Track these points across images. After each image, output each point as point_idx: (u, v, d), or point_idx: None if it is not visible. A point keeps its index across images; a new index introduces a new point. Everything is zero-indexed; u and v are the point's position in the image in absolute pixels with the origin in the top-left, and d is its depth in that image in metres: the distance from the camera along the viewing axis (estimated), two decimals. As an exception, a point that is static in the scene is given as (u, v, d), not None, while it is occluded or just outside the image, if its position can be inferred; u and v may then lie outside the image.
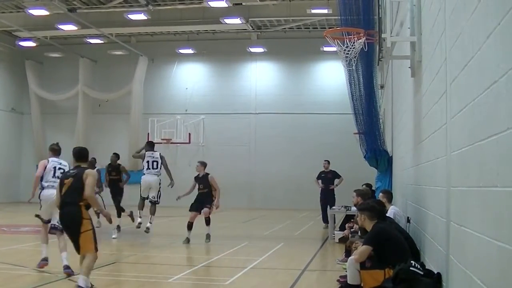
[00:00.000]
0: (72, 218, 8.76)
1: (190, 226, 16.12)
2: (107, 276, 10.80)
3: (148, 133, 34.69)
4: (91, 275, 8.86)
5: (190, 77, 37.76)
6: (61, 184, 9.00)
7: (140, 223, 16.62)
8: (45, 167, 11.33)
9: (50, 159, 11.50)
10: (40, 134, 37.70)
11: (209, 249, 15.14)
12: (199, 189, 16.52)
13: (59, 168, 11.29)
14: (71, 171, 9.21)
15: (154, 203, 16.88)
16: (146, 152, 17.17)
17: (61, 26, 32.60)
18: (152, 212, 16.82)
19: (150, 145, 17.64)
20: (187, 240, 15.91)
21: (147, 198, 16.91)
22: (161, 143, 33.44)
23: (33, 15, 30.30)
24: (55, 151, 11.68)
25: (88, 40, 36.69)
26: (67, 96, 37.32)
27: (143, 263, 13.43)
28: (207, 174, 16.56)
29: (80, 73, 37.42)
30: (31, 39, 35.63)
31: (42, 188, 11.24)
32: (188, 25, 33.46)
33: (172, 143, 34.53)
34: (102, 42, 36.70)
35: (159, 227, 19.94)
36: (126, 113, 36.58)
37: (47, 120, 37.90)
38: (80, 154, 9.41)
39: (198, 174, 16.68)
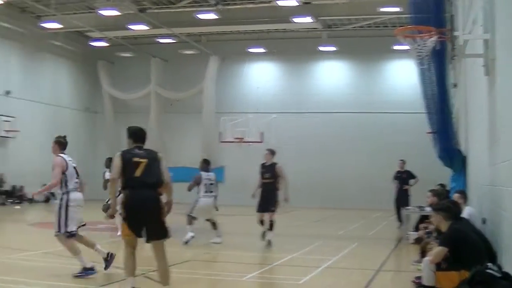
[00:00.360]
0: (155, 203, 8.19)
1: (262, 223, 15.90)
2: (182, 274, 11.03)
3: (221, 132, 35.14)
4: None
5: (261, 76, 38.15)
6: (132, 163, 8.20)
7: (191, 237, 15.39)
8: (65, 168, 10.38)
9: (66, 157, 10.55)
10: (113, 133, 38.69)
11: (282, 248, 15.15)
12: (264, 178, 15.75)
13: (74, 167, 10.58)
14: (140, 151, 8.38)
15: (214, 223, 16.03)
16: (202, 173, 15.97)
17: (131, 26, 33.39)
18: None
19: (208, 164, 16.36)
20: (264, 234, 15.67)
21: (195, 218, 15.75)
22: (233, 142, 33.94)
23: (104, 15, 31.01)
24: (63, 145, 10.73)
25: (158, 40, 37.36)
26: (139, 95, 38.18)
27: (217, 261, 13.68)
28: (275, 163, 15.82)
29: (152, 73, 38.30)
30: (102, 39, 36.63)
31: (67, 192, 10.38)
32: (258, 24, 33.76)
33: (244, 142, 34.83)
34: (172, 41, 37.36)
35: (232, 226, 20.22)
36: (197, 112, 37.19)
37: (119, 119, 38.84)
38: (142, 134, 8.74)
39: (265, 162, 15.95)
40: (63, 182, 10.34)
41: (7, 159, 31.38)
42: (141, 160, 8.21)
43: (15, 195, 30.92)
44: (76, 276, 10.04)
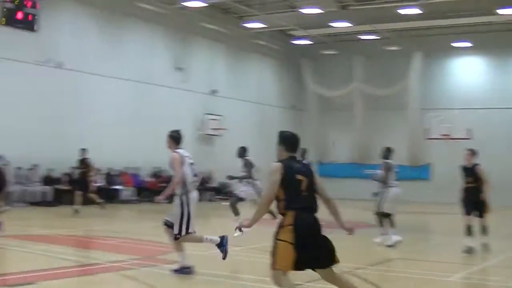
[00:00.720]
0: (319, 228, 6.80)
1: (469, 230, 13.88)
2: (387, 272, 10.84)
3: (427, 129, 34.32)
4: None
5: (466, 71, 36.76)
6: (295, 180, 6.75)
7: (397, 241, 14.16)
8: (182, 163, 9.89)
9: (183, 152, 10.09)
10: (318, 130, 39.20)
11: (491, 249, 14.06)
12: (466, 182, 14.22)
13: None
14: (298, 165, 6.94)
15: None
16: (390, 162, 14.82)
17: (334, 24, 33.52)
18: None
19: (390, 152, 15.08)
20: (470, 250, 13.65)
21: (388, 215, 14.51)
22: (439, 139, 33.05)
23: (306, 14, 31.35)
24: (178, 139, 10.23)
25: (360, 36, 37.17)
26: (343, 92, 38.27)
27: (421, 260, 13.29)
28: (476, 164, 14.19)
29: (355, 70, 38.26)
30: (305, 37, 37.14)
31: (187, 191, 9.94)
32: (462, 17, 32.53)
33: (450, 138, 33.67)
34: (375, 38, 36.99)
35: (438, 224, 19.59)
36: (401, 109, 36.66)
37: (325, 116, 39.13)
38: (298, 142, 7.21)
39: (466, 165, 14.33)
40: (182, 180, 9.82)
41: (214, 157, 32.59)
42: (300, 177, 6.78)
43: (223, 192, 32.09)
44: (175, 271, 9.75)
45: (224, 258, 9.71)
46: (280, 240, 6.54)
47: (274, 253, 6.56)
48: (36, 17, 24.46)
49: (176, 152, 9.94)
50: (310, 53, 39.78)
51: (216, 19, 33.15)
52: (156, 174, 29.61)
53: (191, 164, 9.95)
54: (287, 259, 6.48)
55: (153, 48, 30.82)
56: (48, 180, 24.87)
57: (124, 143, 27.81)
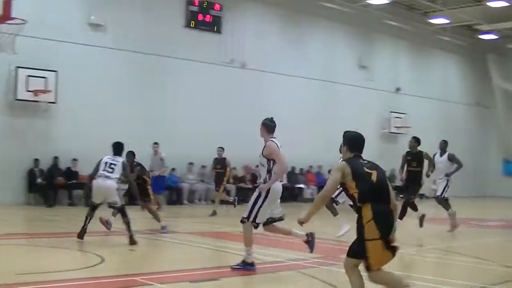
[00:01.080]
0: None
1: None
2: None
3: None
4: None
5: None
6: (368, 175, 6.51)
7: None
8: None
9: (277, 142, 9.59)
10: (505, 128, 36.87)
11: None
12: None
13: None
14: (368, 163, 6.70)
15: None
16: None
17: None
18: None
19: None
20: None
21: None
22: None
23: (493, 7, 29.39)
24: (271, 128, 9.78)
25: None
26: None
27: None
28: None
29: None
30: (492, 32, 34.79)
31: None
32: None
33: None
34: None
35: None
36: None
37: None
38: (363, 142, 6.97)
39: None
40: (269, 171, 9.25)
41: (398, 155, 31.17)
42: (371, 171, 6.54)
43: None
44: (233, 268, 9.17)
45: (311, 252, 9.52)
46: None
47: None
48: (220, 19, 24.77)
49: (271, 140, 9.45)
50: (496, 48, 37.30)
51: (400, 16, 31.98)
52: (339, 172, 28.58)
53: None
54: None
55: (335, 46, 30.30)
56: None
57: (307, 142, 27.42)
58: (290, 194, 26.19)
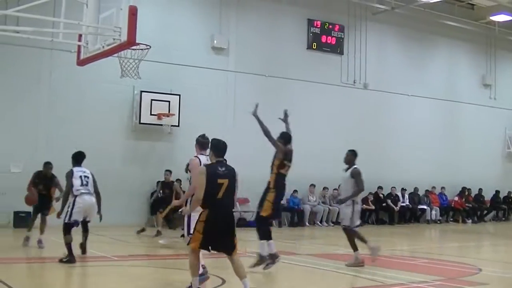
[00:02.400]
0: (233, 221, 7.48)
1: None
2: None
3: None
4: None
5: None
6: (217, 184, 7.13)
7: None
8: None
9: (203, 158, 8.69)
10: None
11: None
12: None
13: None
14: (223, 169, 7.30)
15: None
16: None
17: None
18: None
19: None
20: None
21: None
22: None
23: None
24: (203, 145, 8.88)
25: None
26: None
27: None
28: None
29: None
30: None
31: None
32: None
33: None
34: None
35: None
36: None
37: None
38: (225, 147, 7.59)
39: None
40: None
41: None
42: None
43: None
44: None
45: None
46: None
47: None
48: (342, 40, 23.12)
49: (197, 157, 8.69)
50: None
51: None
52: (461, 194, 25.63)
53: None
54: None
55: (457, 65, 27.55)
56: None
57: (430, 162, 25.01)
58: (413, 215, 24.02)
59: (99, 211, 10.94)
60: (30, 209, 15.36)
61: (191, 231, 7.85)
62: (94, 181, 10.90)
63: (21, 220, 16.62)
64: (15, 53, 17.19)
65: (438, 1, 23.94)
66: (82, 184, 10.45)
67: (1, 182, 16.89)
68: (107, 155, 18.25)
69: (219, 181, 7.15)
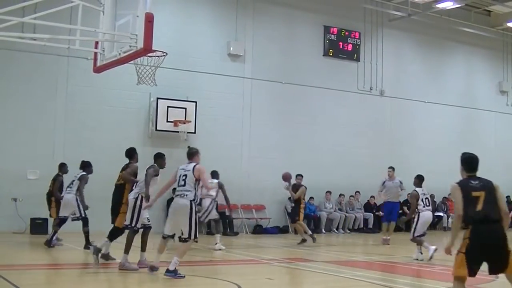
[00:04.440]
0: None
1: None
2: None
3: None
4: None
5: None
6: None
7: None
8: None
9: None
10: None
11: None
12: None
13: None
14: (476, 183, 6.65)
15: None
16: None
17: None
18: None
19: None
20: None
21: None
22: None
23: None
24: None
25: None
26: None
27: None
28: None
29: None
30: None
31: None
32: None
33: None
34: None
35: None
36: None
37: None
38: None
39: None
40: None
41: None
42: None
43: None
44: None
45: None
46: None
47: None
48: (358, 47, 23.04)
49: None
50: None
51: None
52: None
53: None
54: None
55: (475, 71, 27.30)
56: (368, 207, 22.49)
57: (447, 169, 24.37)
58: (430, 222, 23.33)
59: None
60: (46, 215, 15.56)
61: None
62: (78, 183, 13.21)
63: (38, 227, 16.68)
64: (32, 60, 17.28)
65: (454, 8, 23.73)
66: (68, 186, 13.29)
67: (18, 189, 16.94)
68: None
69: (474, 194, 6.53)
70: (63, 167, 14.61)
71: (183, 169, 9.78)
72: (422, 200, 13.02)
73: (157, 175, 10.67)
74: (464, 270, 6.35)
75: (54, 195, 14.15)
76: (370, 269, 11.14)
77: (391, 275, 10.37)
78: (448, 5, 23.18)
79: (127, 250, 10.09)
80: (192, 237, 9.21)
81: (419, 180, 13.58)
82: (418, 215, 12.86)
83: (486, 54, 27.26)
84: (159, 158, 11.11)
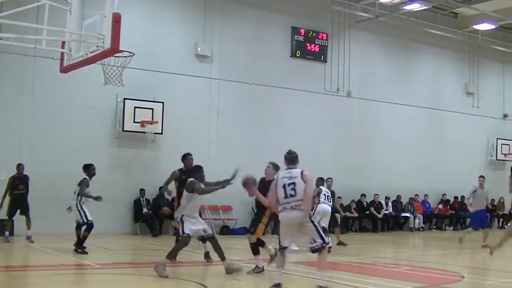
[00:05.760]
0: None
1: None
2: None
3: None
4: None
5: None
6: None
7: None
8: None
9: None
10: None
11: None
12: None
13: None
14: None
15: None
16: None
17: None
18: None
19: None
20: None
21: None
22: None
23: None
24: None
25: None
26: None
27: None
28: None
29: None
30: None
31: None
32: None
33: None
34: None
35: None
36: None
37: None
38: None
39: None
40: None
41: (505, 183, 27.94)
42: None
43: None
44: None
45: None
46: None
47: None
48: (326, 48, 23.35)
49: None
50: None
51: (507, 41, 28.63)
52: (444, 201, 26.00)
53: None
54: None
55: (441, 73, 27.81)
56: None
57: (413, 170, 25.26)
58: (396, 223, 24.18)
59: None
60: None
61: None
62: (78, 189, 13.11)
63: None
64: (-2, 59, 17.22)
65: (421, 10, 24.17)
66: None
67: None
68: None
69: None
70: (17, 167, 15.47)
71: (285, 177, 8.22)
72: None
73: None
74: None
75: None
76: (336, 269, 11.07)
77: (359, 276, 10.53)
78: (415, 7, 23.56)
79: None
80: (327, 240, 8.40)
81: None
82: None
83: (453, 56, 27.79)
84: (197, 172, 10.49)
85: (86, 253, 12.56)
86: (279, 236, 8.38)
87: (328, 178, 16.06)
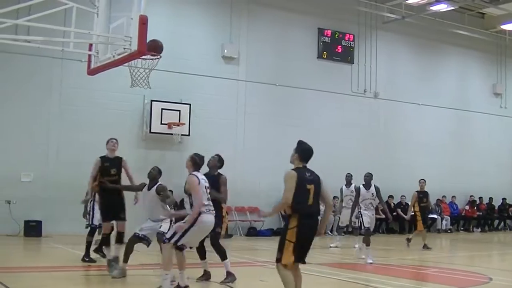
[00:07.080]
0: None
1: None
2: None
3: None
4: None
5: None
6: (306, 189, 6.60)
7: None
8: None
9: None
10: None
11: None
12: None
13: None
14: (309, 175, 6.77)
15: None
16: None
17: None
18: None
19: None
20: None
21: None
22: None
23: None
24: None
25: None
26: None
27: None
28: None
29: None
30: None
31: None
32: None
33: None
34: None
35: None
36: None
37: None
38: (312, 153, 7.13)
39: None
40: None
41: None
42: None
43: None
44: None
45: None
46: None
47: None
48: (352, 49, 23.30)
49: (193, 174, 8.42)
50: None
51: None
52: (471, 202, 25.58)
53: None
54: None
55: (468, 74, 27.42)
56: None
57: (440, 171, 24.85)
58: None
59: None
60: (40, 217, 15.52)
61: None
62: None
63: (32, 229, 16.66)
64: (26, 62, 17.23)
65: (448, 10, 23.86)
66: None
67: (12, 191, 16.86)
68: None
69: (308, 187, 6.59)
70: None
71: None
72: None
73: None
74: None
75: None
76: (364, 271, 11.17)
77: (386, 277, 10.41)
78: (442, 7, 23.30)
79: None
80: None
81: None
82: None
83: (480, 57, 27.38)
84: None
85: (94, 261, 11.40)
86: None
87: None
